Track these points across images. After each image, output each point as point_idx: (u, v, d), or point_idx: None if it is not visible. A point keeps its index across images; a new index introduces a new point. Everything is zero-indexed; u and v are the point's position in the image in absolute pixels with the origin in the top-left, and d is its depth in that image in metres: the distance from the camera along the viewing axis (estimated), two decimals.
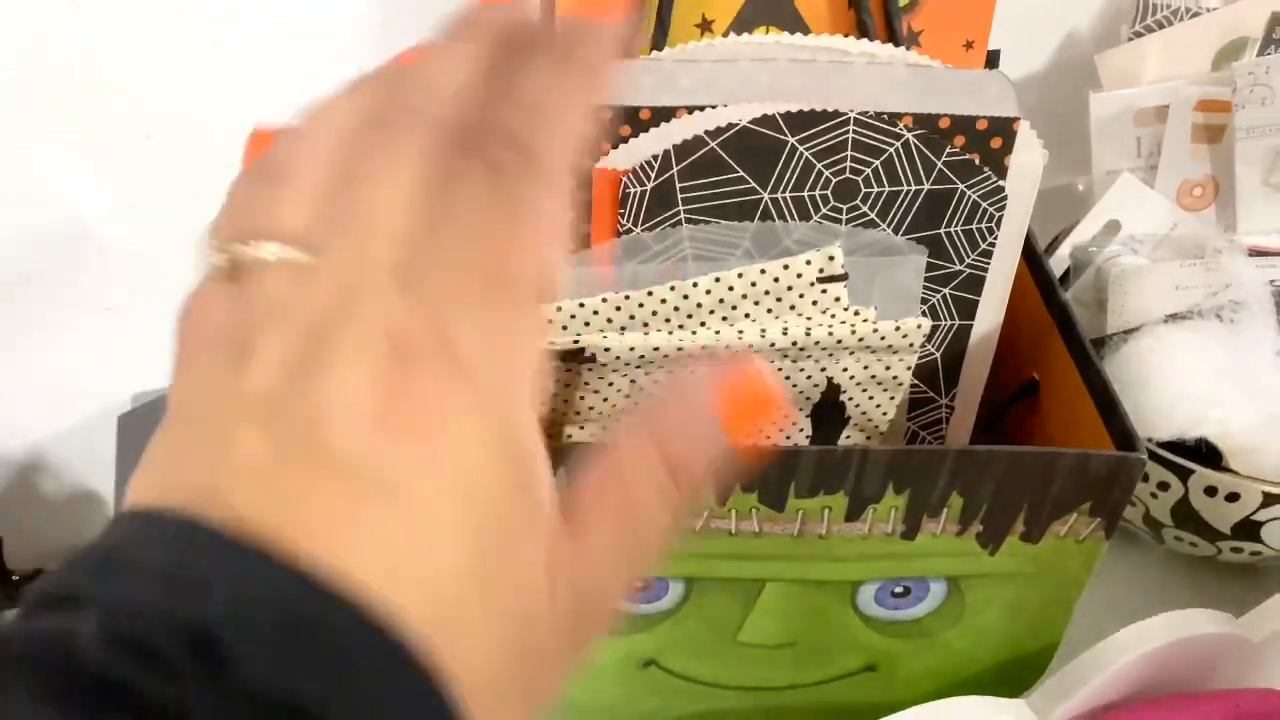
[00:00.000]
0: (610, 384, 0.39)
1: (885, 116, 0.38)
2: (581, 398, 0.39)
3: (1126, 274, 0.45)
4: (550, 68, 0.20)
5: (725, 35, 0.40)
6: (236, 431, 0.17)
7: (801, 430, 0.43)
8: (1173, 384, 0.41)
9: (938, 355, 0.44)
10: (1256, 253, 0.44)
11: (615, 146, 0.38)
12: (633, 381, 0.39)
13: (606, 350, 0.37)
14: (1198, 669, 0.44)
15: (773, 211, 0.40)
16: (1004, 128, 0.38)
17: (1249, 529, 0.46)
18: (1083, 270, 0.48)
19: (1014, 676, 0.44)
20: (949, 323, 0.43)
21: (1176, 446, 0.45)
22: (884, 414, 0.43)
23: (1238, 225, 0.47)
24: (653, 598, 0.41)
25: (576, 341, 0.38)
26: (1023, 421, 0.46)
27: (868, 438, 0.44)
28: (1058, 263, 0.49)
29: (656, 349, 0.37)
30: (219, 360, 0.18)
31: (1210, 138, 0.47)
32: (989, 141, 0.38)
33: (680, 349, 0.38)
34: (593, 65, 0.21)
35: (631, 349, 0.37)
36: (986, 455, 0.36)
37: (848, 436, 0.44)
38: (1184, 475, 0.45)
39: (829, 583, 0.40)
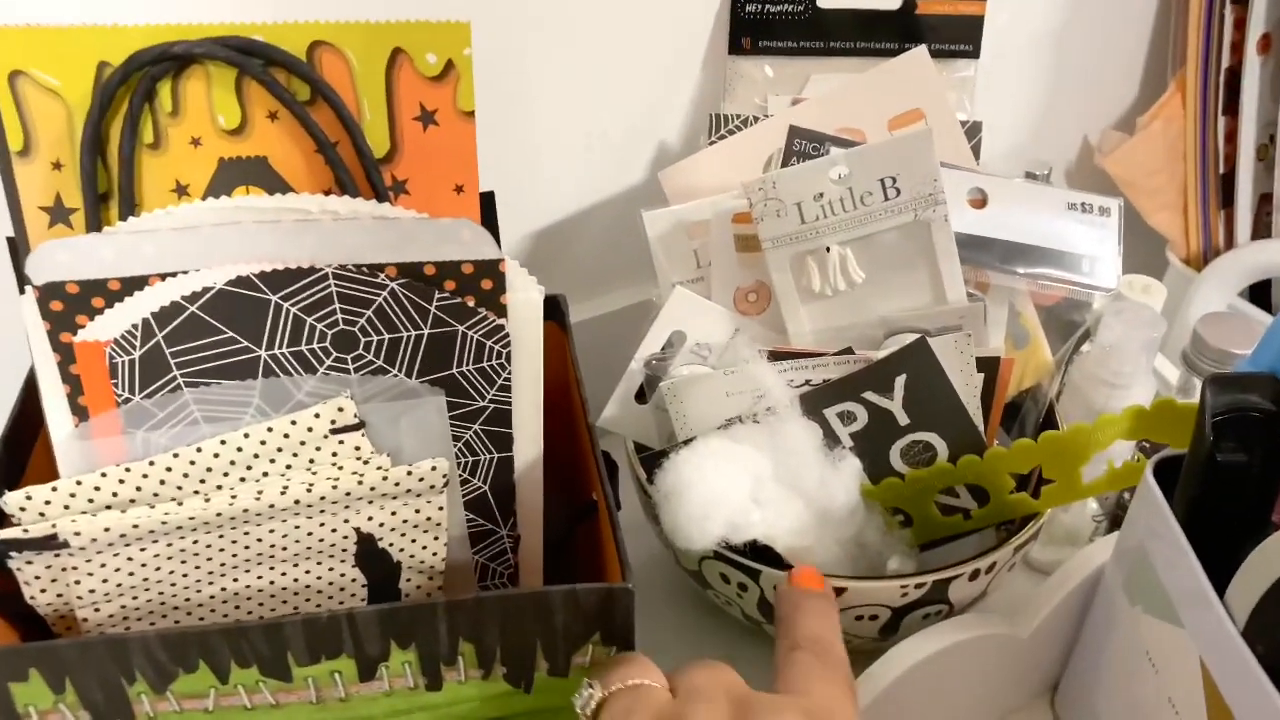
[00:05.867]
0: (104, 565, 0.37)
1: (365, 269, 0.38)
2: (78, 582, 0.37)
3: (677, 385, 0.47)
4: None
5: (204, 198, 0.39)
6: None
7: (355, 580, 0.42)
8: (704, 494, 0.43)
9: (486, 489, 0.44)
10: (781, 355, 0.46)
11: (91, 319, 0.37)
12: (130, 560, 0.37)
13: (77, 535, 0.35)
14: None
15: (275, 368, 0.39)
16: (491, 269, 0.39)
17: None
18: (657, 381, 0.49)
19: None
20: (488, 456, 0.43)
21: (755, 550, 0.47)
22: (434, 554, 0.42)
23: (787, 328, 0.49)
24: None
25: (53, 527, 0.36)
26: (592, 543, 0.46)
27: (429, 579, 0.43)
28: (633, 376, 0.50)
29: (136, 526, 0.36)
30: None
31: (752, 247, 0.49)
32: (479, 283, 0.39)
33: (164, 523, 0.36)
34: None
35: (107, 529, 0.36)
36: (476, 603, 0.36)
37: (408, 580, 0.43)
38: (754, 575, 0.47)
39: None
